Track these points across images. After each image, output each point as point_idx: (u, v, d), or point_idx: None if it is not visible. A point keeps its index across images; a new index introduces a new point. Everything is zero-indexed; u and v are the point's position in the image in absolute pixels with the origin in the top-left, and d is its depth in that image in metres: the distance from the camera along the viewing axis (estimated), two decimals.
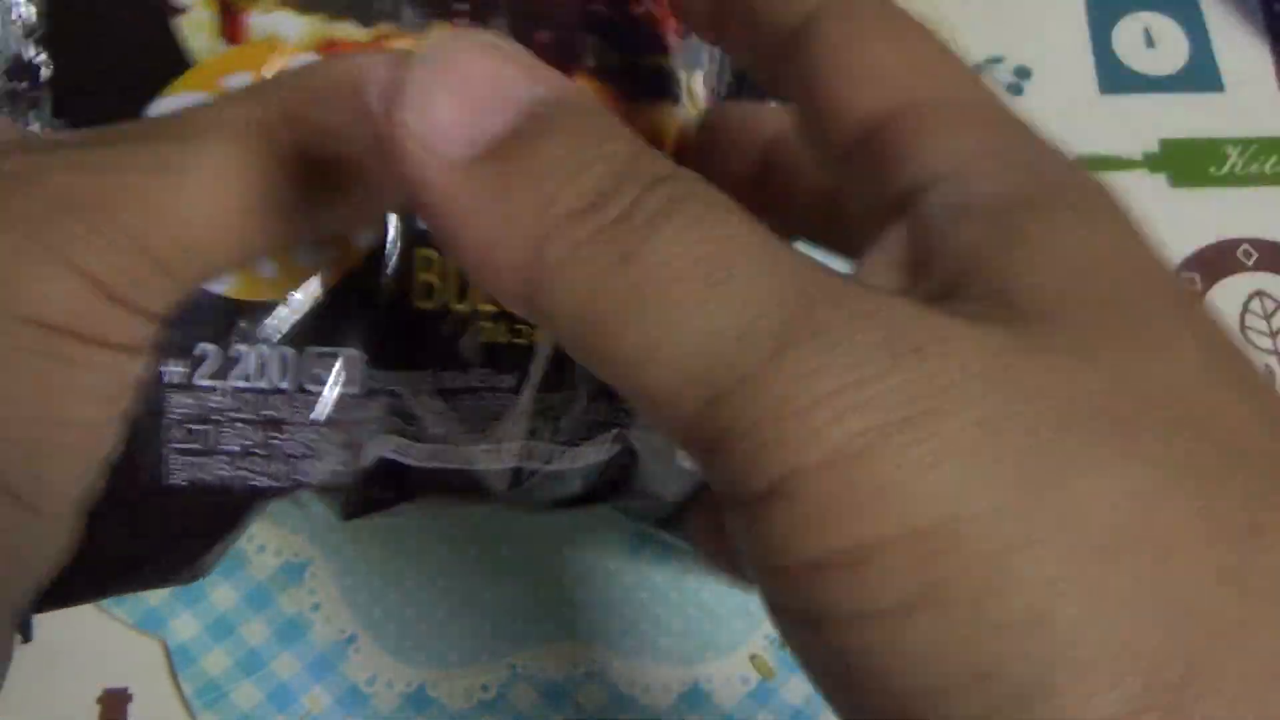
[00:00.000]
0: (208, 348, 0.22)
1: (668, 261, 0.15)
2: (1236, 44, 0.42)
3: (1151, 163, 0.40)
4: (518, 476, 0.25)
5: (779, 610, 0.16)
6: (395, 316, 0.24)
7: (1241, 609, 0.14)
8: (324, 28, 0.23)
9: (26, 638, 0.29)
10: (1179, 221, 0.39)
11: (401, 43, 0.24)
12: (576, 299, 0.15)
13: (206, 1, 0.23)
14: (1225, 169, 0.40)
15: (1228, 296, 0.38)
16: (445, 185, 0.16)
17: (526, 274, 0.15)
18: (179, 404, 0.22)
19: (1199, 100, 0.41)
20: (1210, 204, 0.40)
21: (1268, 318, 0.38)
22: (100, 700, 0.30)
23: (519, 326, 0.24)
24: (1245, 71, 0.41)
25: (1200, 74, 0.42)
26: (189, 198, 0.18)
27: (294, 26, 0.23)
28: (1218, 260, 0.39)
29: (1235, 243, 0.39)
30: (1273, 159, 0.40)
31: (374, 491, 0.24)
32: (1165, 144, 0.40)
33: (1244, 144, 0.40)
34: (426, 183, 0.16)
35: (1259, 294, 0.38)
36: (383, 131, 0.16)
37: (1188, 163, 0.40)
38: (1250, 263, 0.39)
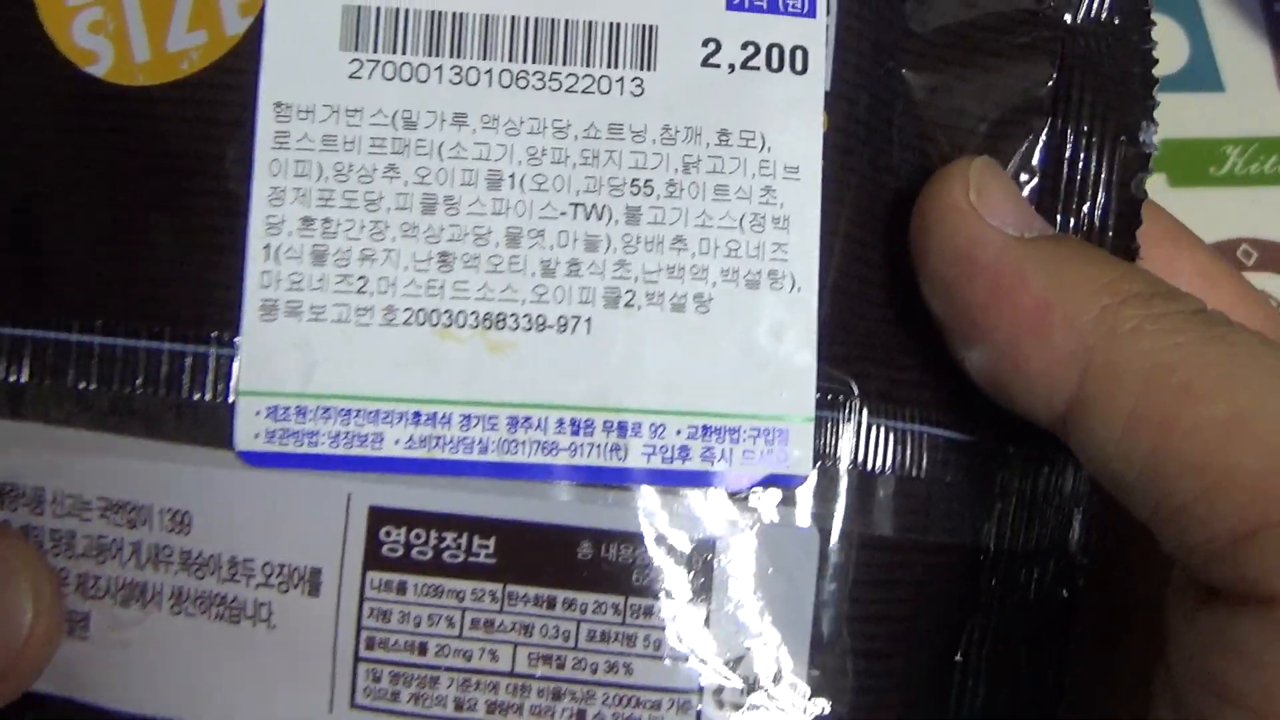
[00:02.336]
0: None
1: (1257, 352, 0.18)
2: (1236, 44, 0.42)
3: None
4: None
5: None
6: None
7: None
8: None
9: None
10: None
11: None
12: (1156, 360, 0.18)
13: None
14: (1225, 169, 0.40)
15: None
16: (1004, 251, 0.20)
17: (1092, 331, 0.19)
18: None
19: (1199, 100, 0.41)
20: (1210, 204, 0.40)
21: None
22: None
23: None
24: (1245, 71, 0.42)
25: (1200, 74, 0.42)
26: None
27: None
28: None
29: (1235, 243, 0.40)
30: (1273, 159, 0.40)
31: None
32: (1165, 144, 0.39)
33: (1244, 144, 0.41)
34: (982, 251, 0.20)
35: None
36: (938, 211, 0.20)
37: (1187, 163, 0.40)
38: (1250, 263, 0.39)
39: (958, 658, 0.23)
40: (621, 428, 0.20)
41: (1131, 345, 0.19)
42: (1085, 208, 0.22)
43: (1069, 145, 0.22)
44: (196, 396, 0.20)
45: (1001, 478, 0.22)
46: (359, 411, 0.20)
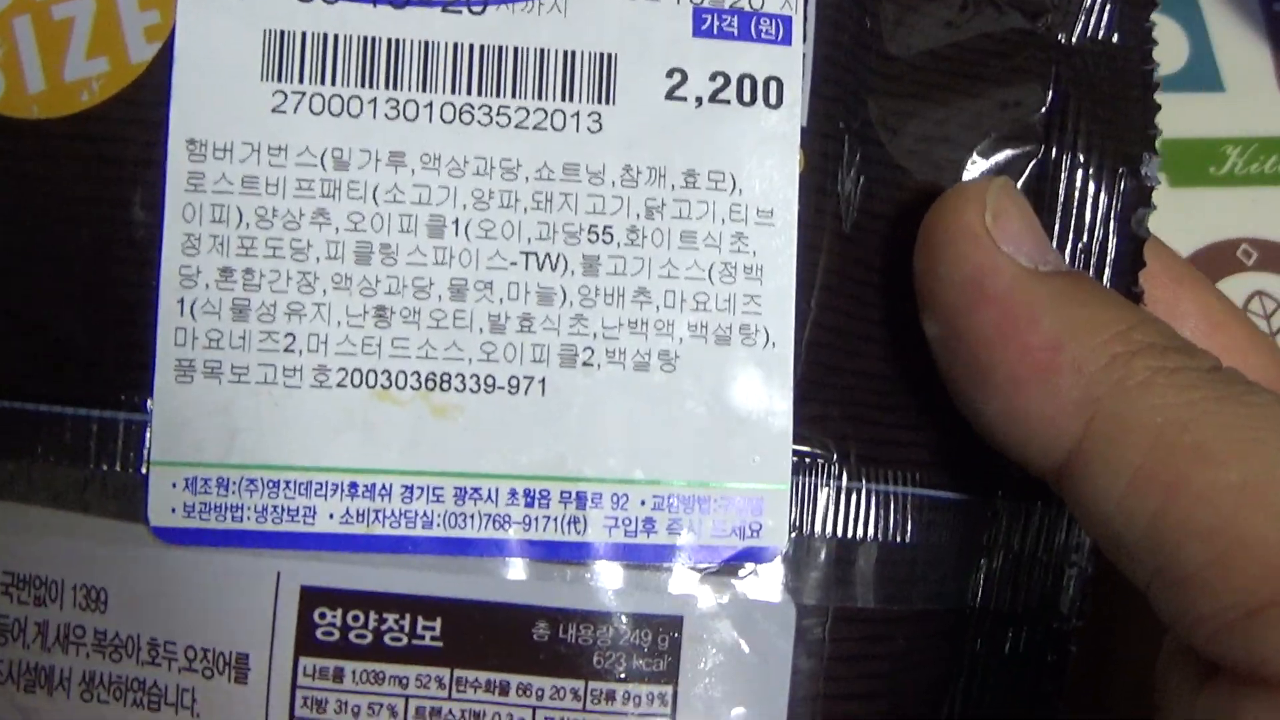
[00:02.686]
0: None
1: (1272, 414, 0.17)
2: (1236, 44, 0.42)
3: None
4: None
5: None
6: None
7: None
8: None
9: None
10: (1178, 221, 0.39)
11: None
12: (1168, 417, 0.17)
13: None
14: (1225, 169, 0.40)
15: (1228, 296, 0.37)
16: (1016, 283, 0.18)
17: (1101, 381, 0.17)
18: None
19: (1199, 100, 0.41)
20: (1210, 204, 0.39)
21: (1268, 318, 0.38)
22: None
23: None
24: (1245, 71, 0.41)
25: (1200, 74, 0.41)
26: None
27: None
28: (1217, 260, 0.39)
29: (1235, 243, 0.39)
30: (1273, 159, 0.40)
31: None
32: (1165, 144, 0.38)
33: (1244, 144, 0.40)
34: (993, 281, 0.18)
35: (1259, 294, 0.38)
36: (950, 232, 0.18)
37: (1187, 163, 0.40)
38: (1250, 263, 0.39)
39: None
40: (580, 498, 0.18)
41: (1142, 399, 0.17)
42: (1083, 245, 0.20)
43: (1064, 177, 0.20)
44: (105, 467, 0.18)
45: (990, 533, 0.21)
46: (288, 483, 0.18)
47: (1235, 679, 0.17)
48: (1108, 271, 0.20)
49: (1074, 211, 0.20)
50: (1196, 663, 0.18)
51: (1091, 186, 0.20)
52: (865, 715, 0.20)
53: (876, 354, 0.20)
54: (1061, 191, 0.20)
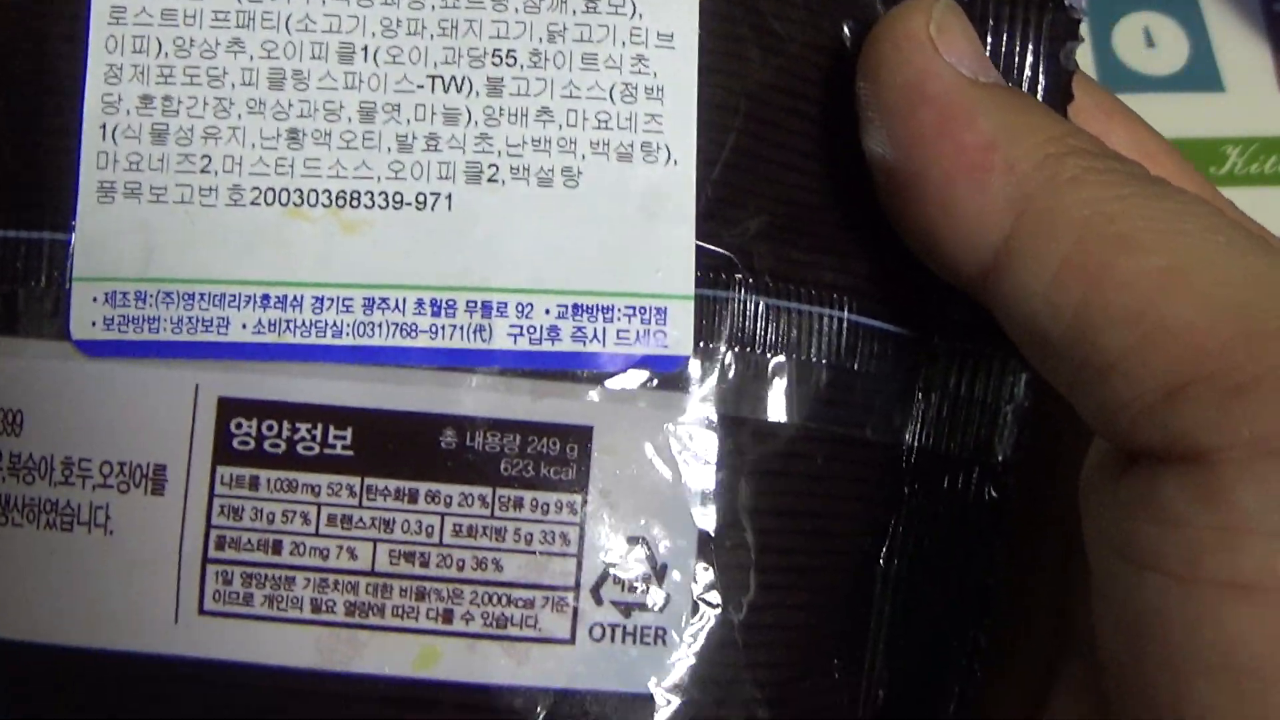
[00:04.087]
0: None
1: (1198, 210, 0.17)
2: (1236, 44, 0.42)
3: None
4: None
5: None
6: None
7: None
8: None
9: None
10: None
11: None
12: (1093, 211, 0.17)
13: None
14: (1225, 169, 0.39)
15: None
16: (955, 88, 0.19)
17: (1032, 178, 0.18)
18: None
19: (1199, 100, 0.41)
20: None
21: None
22: None
23: None
24: (1245, 71, 0.41)
25: (1200, 74, 0.41)
26: None
27: None
28: None
29: None
30: (1273, 159, 0.40)
31: None
32: None
33: (1244, 144, 0.40)
34: (933, 84, 0.19)
35: None
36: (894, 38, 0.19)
37: None
38: None
39: (879, 565, 0.21)
40: (486, 308, 0.19)
41: (1071, 193, 0.18)
42: (1012, 80, 0.21)
43: (991, 10, 0.21)
44: (31, 284, 0.19)
45: (925, 373, 0.21)
46: (203, 295, 0.19)
47: (1154, 460, 0.17)
48: None
49: (1002, 45, 0.21)
50: (1117, 459, 0.18)
51: (1019, 22, 0.21)
52: (783, 531, 0.20)
53: (800, 183, 0.20)
54: (990, 29, 0.21)
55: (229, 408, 0.18)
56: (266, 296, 0.19)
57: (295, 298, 0.19)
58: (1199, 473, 0.16)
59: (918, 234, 0.19)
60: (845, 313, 0.20)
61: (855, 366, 0.20)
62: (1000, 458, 0.21)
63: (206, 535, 0.18)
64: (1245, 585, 0.16)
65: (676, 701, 0.19)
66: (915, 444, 0.21)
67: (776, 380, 0.19)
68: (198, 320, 0.19)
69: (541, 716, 0.18)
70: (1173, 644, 0.16)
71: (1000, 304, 0.19)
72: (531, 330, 0.19)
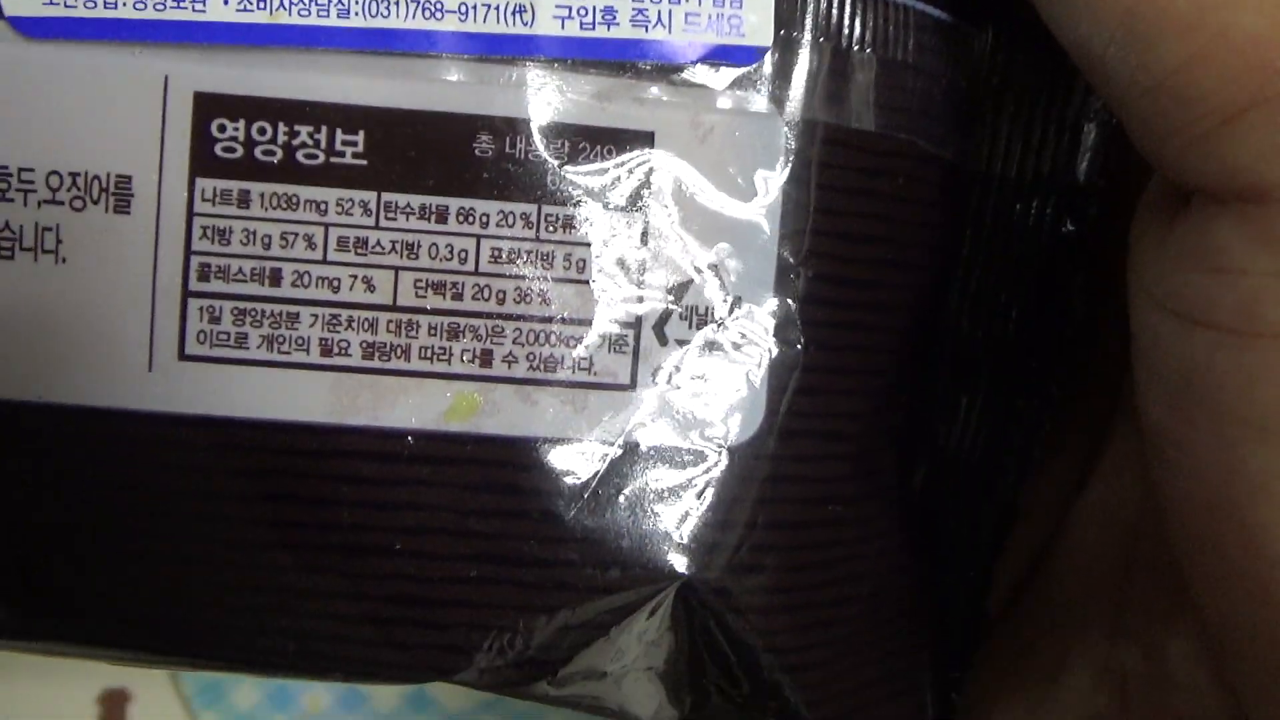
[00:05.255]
0: None
1: None
2: None
3: None
4: None
5: None
6: None
7: None
8: None
9: None
10: None
11: None
12: None
13: None
14: None
15: None
16: None
17: None
18: None
19: None
20: None
21: None
22: (100, 700, 0.29)
23: None
24: None
25: None
26: None
27: None
28: None
29: None
30: None
31: None
32: None
33: None
34: None
35: None
36: None
37: None
38: None
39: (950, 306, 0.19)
40: None
41: None
42: None
43: None
44: None
45: (997, 88, 0.18)
46: None
47: (1208, 200, 0.15)
48: None
49: None
50: (1168, 205, 0.16)
51: None
52: (863, 261, 0.17)
53: None
54: None
55: (208, 105, 0.15)
56: None
57: None
58: (1259, 213, 0.14)
59: None
60: (930, 6, 0.17)
61: (938, 71, 0.17)
62: (1080, 183, 0.19)
63: (186, 263, 0.15)
64: None
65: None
66: (988, 171, 0.19)
67: (860, 78, 0.16)
68: None
69: (599, 474, 0.16)
70: (1224, 406, 0.14)
71: (1044, 4, 0.16)
72: (582, 11, 0.15)
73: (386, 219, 0.15)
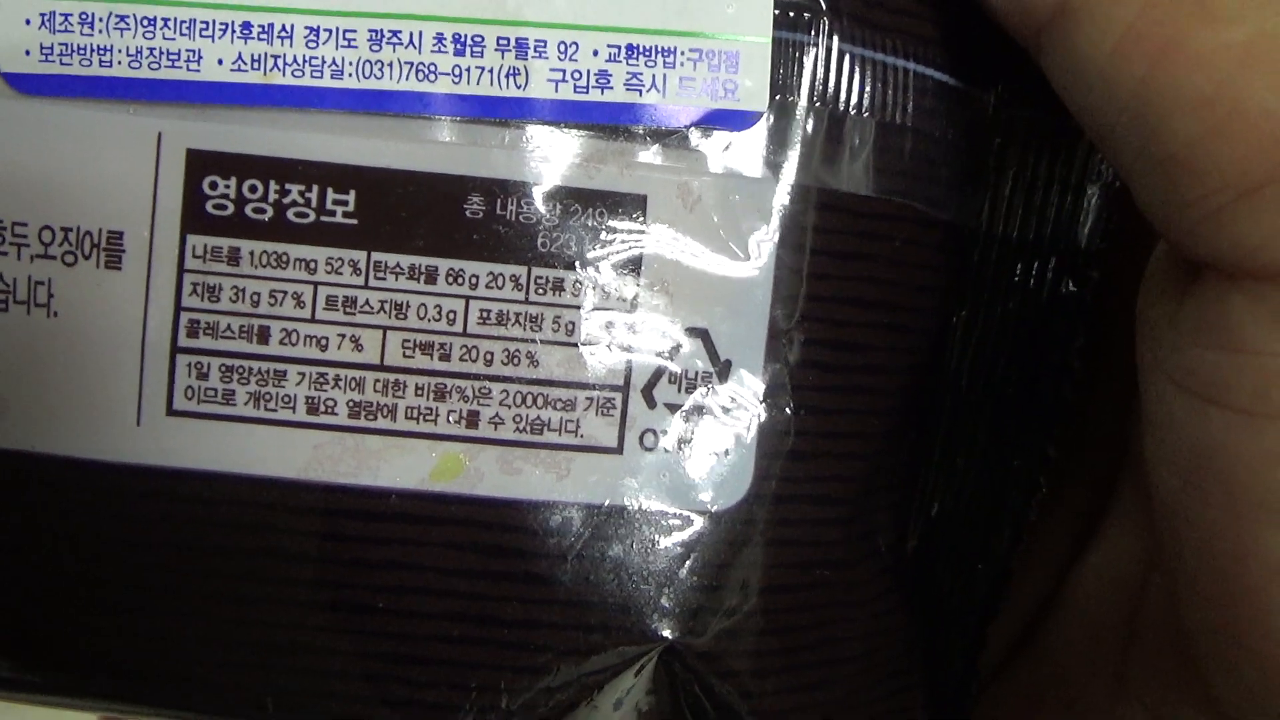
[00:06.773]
0: None
1: None
2: None
3: None
4: None
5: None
6: None
7: None
8: None
9: None
10: None
11: None
12: None
13: None
14: None
15: None
16: None
17: None
18: None
19: None
20: None
21: None
22: None
23: None
24: None
25: None
26: None
27: None
28: None
29: None
30: None
31: None
32: None
33: None
34: None
35: None
36: None
37: None
38: None
39: (949, 365, 0.19)
40: (520, 46, 0.15)
41: None
42: None
43: None
44: None
45: (999, 147, 0.18)
46: (167, 21, 0.15)
47: (1221, 276, 0.14)
48: None
49: None
50: (1178, 278, 0.15)
51: None
52: (858, 324, 0.17)
53: None
54: None
55: (201, 162, 0.15)
56: (248, 25, 0.15)
57: (285, 28, 0.15)
58: (1274, 292, 0.14)
59: None
60: (930, 69, 0.17)
61: (937, 133, 0.17)
62: (1082, 245, 0.19)
63: (176, 319, 0.15)
64: None
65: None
66: (989, 230, 0.18)
67: (857, 142, 0.16)
68: (161, 53, 0.15)
69: (584, 538, 0.16)
70: (1237, 486, 0.14)
71: (1054, 71, 0.16)
72: (576, 75, 0.15)
73: (376, 279, 0.15)
